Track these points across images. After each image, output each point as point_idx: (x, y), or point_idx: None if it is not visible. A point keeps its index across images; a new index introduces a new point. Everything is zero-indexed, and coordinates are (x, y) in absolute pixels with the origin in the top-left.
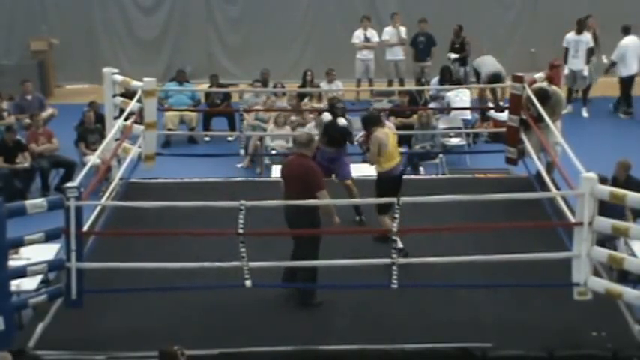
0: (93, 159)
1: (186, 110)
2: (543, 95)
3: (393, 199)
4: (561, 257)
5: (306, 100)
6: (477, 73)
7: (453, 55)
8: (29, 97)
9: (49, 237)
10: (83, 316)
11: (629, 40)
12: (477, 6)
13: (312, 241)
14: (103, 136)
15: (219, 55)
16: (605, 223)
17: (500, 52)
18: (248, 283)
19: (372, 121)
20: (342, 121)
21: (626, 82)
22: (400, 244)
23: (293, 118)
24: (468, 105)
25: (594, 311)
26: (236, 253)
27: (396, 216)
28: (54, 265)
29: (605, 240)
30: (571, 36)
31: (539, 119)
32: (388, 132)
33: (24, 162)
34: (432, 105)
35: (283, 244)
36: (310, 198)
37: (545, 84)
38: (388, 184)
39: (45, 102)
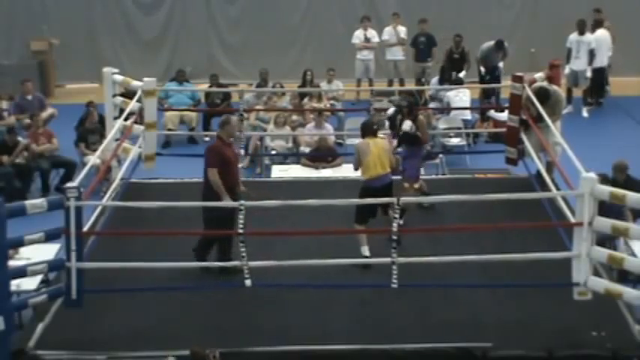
0: (93, 159)
1: (186, 110)
2: (544, 94)
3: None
4: (561, 257)
5: (305, 100)
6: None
7: (461, 74)
8: (29, 97)
9: (49, 237)
10: (83, 316)
11: (600, 34)
12: (476, 6)
13: (214, 219)
14: (103, 136)
15: (219, 55)
16: (605, 223)
17: None
18: (248, 283)
19: (363, 129)
20: (406, 124)
21: (597, 74)
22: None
23: (294, 117)
24: (467, 105)
25: (594, 311)
26: (236, 253)
27: (396, 216)
28: (54, 265)
29: (605, 240)
30: (574, 36)
31: (539, 119)
32: (374, 143)
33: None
34: (431, 105)
35: (283, 243)
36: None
37: (545, 84)
38: (365, 194)
39: (45, 102)
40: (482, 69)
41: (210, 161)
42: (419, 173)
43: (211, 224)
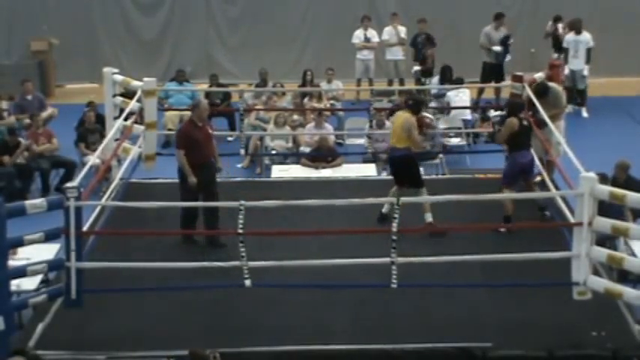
0: (93, 159)
1: (187, 110)
2: (542, 89)
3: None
4: (561, 257)
5: (305, 100)
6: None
7: (416, 67)
8: (29, 97)
9: (49, 237)
10: (83, 316)
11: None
12: (476, 6)
13: (184, 191)
14: (103, 136)
15: (219, 55)
16: (605, 223)
17: None
18: (248, 283)
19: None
20: None
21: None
22: None
23: (295, 117)
24: (467, 105)
25: (594, 311)
26: (236, 252)
27: (396, 216)
28: (54, 265)
29: (605, 240)
30: (570, 36)
31: (541, 122)
32: (397, 116)
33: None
34: (432, 105)
35: (283, 243)
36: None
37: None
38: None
39: (45, 102)
40: (499, 48)
41: (177, 143)
42: (506, 179)
43: (182, 196)
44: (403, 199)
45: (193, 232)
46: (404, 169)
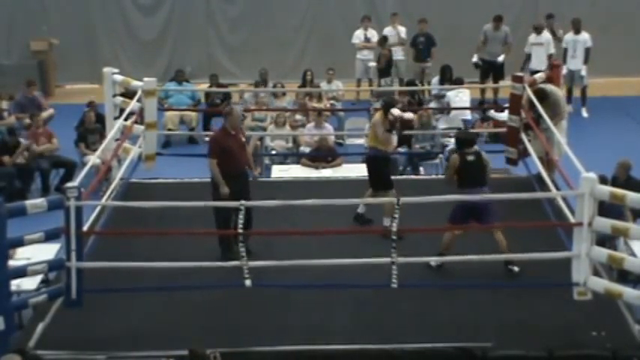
0: (93, 159)
1: (186, 110)
2: (541, 94)
3: None
4: (561, 257)
5: (305, 99)
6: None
7: (372, 64)
8: (30, 97)
9: (49, 237)
10: (83, 316)
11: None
12: (476, 6)
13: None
14: (103, 136)
15: (219, 55)
16: (605, 223)
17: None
18: (248, 283)
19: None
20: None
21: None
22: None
23: (298, 117)
24: (467, 105)
25: (594, 311)
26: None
27: (395, 216)
28: (54, 265)
29: (605, 240)
30: (569, 36)
31: (540, 122)
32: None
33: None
34: (432, 105)
35: (283, 243)
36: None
37: (543, 85)
38: None
39: (43, 101)
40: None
41: (210, 151)
42: (451, 219)
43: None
44: (403, 199)
45: (191, 233)
46: (370, 168)
